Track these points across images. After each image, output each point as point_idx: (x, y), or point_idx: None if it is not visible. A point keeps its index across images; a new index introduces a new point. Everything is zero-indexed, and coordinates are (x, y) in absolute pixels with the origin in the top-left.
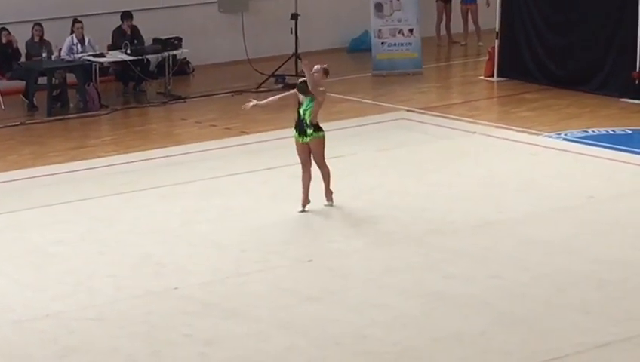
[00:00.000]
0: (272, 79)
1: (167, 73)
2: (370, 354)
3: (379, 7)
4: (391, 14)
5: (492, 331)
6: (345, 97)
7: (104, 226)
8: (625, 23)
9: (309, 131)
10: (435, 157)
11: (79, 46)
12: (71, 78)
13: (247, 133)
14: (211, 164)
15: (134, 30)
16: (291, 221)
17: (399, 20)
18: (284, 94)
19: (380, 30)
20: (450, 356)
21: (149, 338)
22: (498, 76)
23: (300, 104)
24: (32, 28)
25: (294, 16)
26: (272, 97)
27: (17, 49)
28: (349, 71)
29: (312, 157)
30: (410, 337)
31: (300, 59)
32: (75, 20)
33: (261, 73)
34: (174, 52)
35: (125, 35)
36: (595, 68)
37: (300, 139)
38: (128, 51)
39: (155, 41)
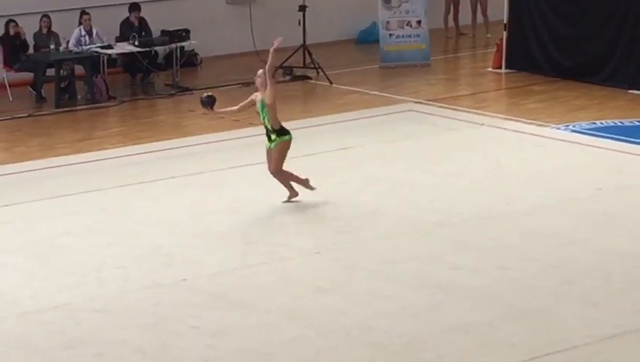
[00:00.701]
0: (280, 71)
1: (174, 65)
2: (377, 345)
3: None
4: (399, 6)
5: (499, 323)
6: (353, 89)
7: (112, 218)
8: (634, 14)
9: (273, 137)
10: (443, 148)
11: (87, 38)
12: (79, 69)
13: (255, 125)
14: (220, 155)
15: (142, 22)
16: (299, 213)
17: (407, 12)
18: (243, 103)
19: (387, 22)
20: (456, 347)
21: (156, 329)
22: (506, 68)
23: (258, 113)
24: (40, 20)
25: (302, 8)
26: (231, 107)
27: (25, 41)
28: (356, 62)
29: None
30: (417, 328)
31: (309, 52)
32: (83, 12)
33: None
34: (182, 44)
35: (133, 27)
36: (603, 59)
37: (267, 146)
38: (136, 43)
39: (163, 32)
